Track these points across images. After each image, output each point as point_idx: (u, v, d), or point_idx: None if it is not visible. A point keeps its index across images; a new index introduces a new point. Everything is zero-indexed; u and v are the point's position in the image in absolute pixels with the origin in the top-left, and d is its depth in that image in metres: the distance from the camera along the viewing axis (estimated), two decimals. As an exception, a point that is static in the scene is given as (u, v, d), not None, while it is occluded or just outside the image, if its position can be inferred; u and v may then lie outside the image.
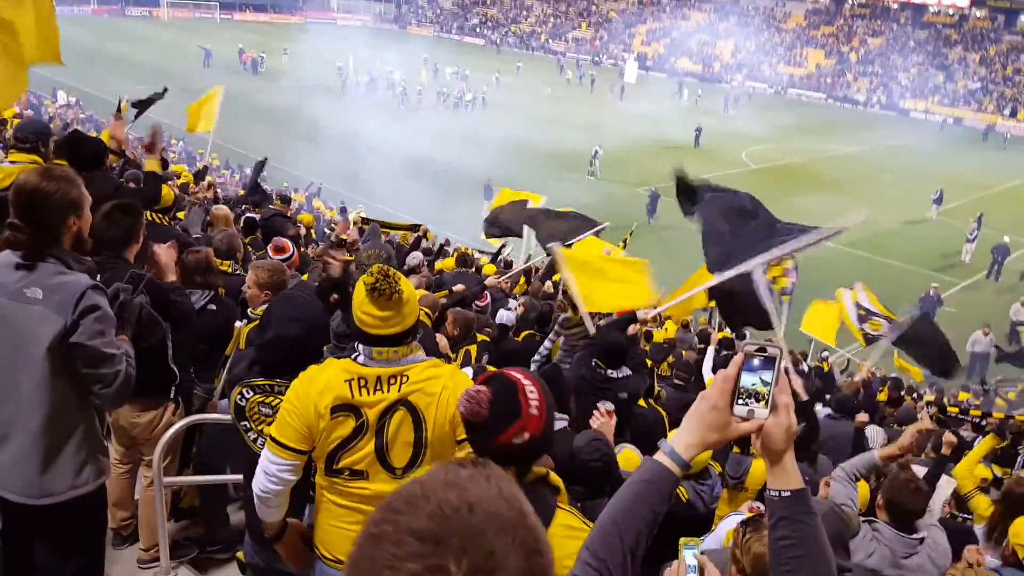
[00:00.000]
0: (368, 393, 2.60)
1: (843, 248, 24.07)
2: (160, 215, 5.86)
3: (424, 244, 13.22)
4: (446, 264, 10.90)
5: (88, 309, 2.81)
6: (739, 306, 7.33)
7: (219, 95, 13.17)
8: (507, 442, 1.98)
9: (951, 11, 62.59)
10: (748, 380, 1.58)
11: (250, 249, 7.72)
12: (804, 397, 6.79)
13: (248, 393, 3.21)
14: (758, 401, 1.57)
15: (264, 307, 4.02)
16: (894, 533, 3.87)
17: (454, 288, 7.84)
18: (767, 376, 1.58)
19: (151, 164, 5.48)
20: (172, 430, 3.94)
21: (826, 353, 14.77)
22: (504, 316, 7.19)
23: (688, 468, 1.63)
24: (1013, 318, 19.26)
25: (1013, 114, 50.88)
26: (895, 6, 65.36)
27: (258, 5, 79.52)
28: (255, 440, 3.24)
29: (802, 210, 27.78)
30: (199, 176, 13.34)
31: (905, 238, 26.13)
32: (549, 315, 8.31)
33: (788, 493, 1.59)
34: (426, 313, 5.88)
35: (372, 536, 0.90)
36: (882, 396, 11.01)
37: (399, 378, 2.61)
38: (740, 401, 1.58)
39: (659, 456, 1.65)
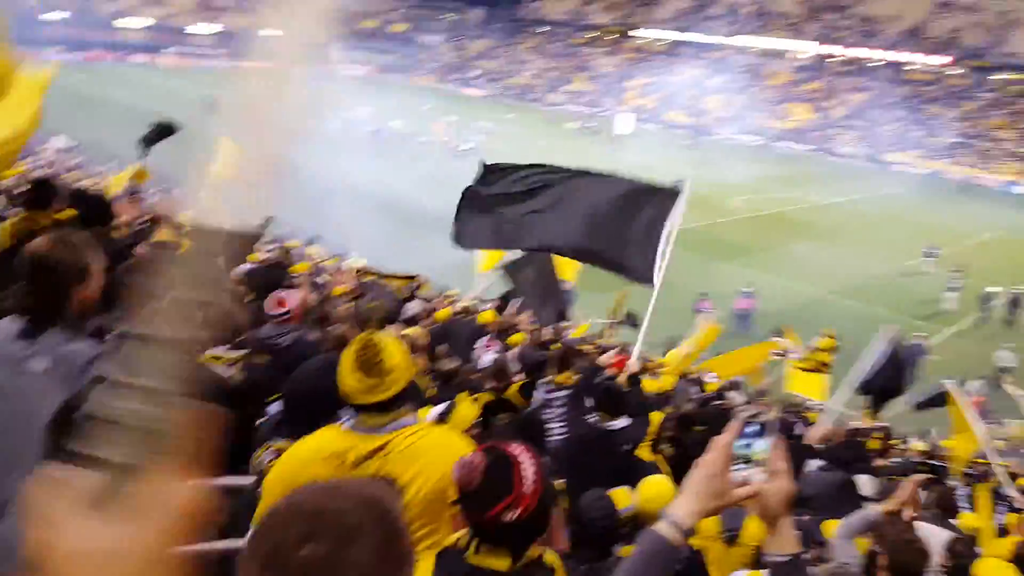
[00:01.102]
0: (346, 471, 2.53)
1: (823, 296, 25.09)
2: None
3: (422, 295, 12.68)
4: (442, 314, 10.48)
5: (96, 379, 2.59)
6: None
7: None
8: (496, 517, 1.91)
9: (930, 69, 65.18)
10: (745, 445, 1.65)
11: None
12: (814, 442, 7.15)
13: (268, 458, 3.11)
14: (755, 466, 1.63)
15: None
16: None
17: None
18: (763, 442, 1.65)
19: (164, 233, 5.53)
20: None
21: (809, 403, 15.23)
22: (488, 361, 7.07)
23: (690, 536, 1.65)
24: (997, 363, 20.06)
25: (989, 167, 52.78)
26: (877, 64, 67.90)
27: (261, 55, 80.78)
28: None
29: (786, 258, 29.05)
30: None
31: (889, 286, 27.18)
32: (544, 363, 7.87)
33: (784, 559, 1.65)
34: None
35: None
36: (872, 444, 10.55)
37: (379, 449, 2.55)
38: (737, 467, 1.63)
39: (660, 526, 1.65)
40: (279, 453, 3.00)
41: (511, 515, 1.90)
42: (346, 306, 8.08)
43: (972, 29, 65.02)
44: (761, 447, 1.65)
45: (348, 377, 2.57)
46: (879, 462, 9.23)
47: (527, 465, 1.97)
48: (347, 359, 2.58)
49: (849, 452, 8.37)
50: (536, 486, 1.94)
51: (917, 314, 24.51)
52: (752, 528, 4.27)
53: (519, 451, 2.02)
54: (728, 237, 31.66)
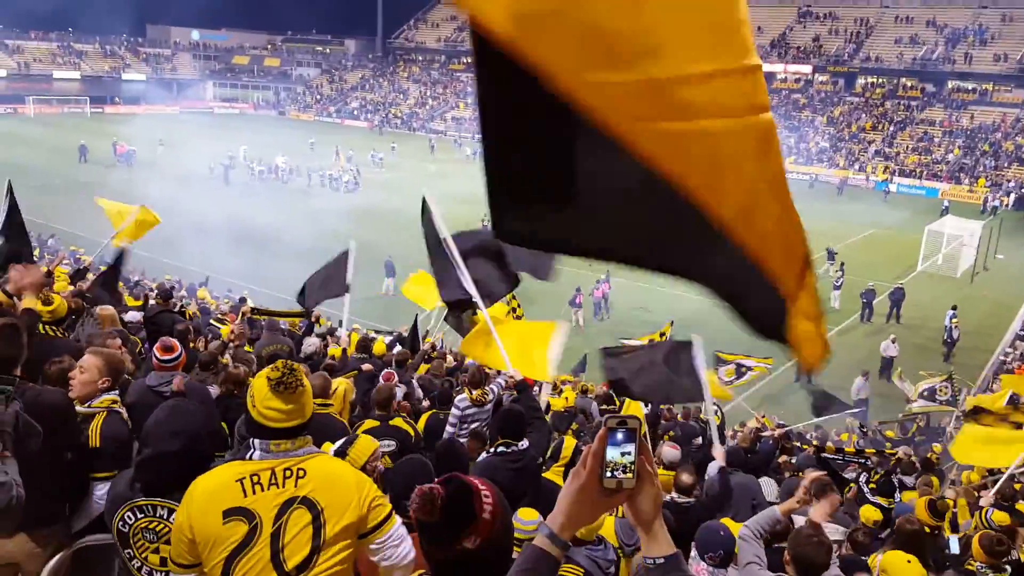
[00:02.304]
0: (262, 489, 2.48)
1: (718, 303, 25.07)
2: (54, 328, 5.61)
3: (318, 329, 12.98)
4: (336, 352, 10.39)
5: None
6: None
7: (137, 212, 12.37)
8: (459, 546, 1.91)
9: (796, 77, 67.96)
10: (613, 453, 1.62)
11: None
12: (721, 462, 6.87)
13: (130, 518, 3.03)
14: (625, 472, 1.61)
15: (104, 398, 3.96)
16: None
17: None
18: (630, 447, 1.62)
19: (28, 302, 5.27)
20: (56, 558, 3.56)
21: (716, 407, 15.13)
22: (398, 395, 7.06)
23: (567, 548, 1.66)
24: (884, 354, 20.51)
25: (861, 168, 55.11)
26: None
27: (130, 98, 77.92)
28: (139, 568, 3.04)
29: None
30: (78, 276, 12.59)
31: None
32: (449, 393, 8.18)
33: (662, 560, 1.66)
34: (407, 421, 5.92)
35: None
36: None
37: (295, 472, 2.53)
38: (608, 474, 1.61)
39: (538, 540, 1.67)
40: (142, 510, 2.98)
41: (473, 541, 1.90)
42: (240, 349, 8.49)
43: (832, 37, 68.25)
44: (630, 453, 1.62)
45: (267, 403, 2.53)
46: (782, 459, 9.44)
47: (485, 492, 1.98)
48: (263, 386, 2.54)
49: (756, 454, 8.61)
50: (495, 512, 1.96)
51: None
52: None
53: (476, 479, 2.03)
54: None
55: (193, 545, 2.49)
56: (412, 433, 5.83)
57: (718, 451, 6.93)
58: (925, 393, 15.88)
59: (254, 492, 2.48)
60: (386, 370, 7.91)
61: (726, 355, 11.33)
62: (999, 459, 8.00)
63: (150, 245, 23.78)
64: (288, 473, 2.52)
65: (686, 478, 5.94)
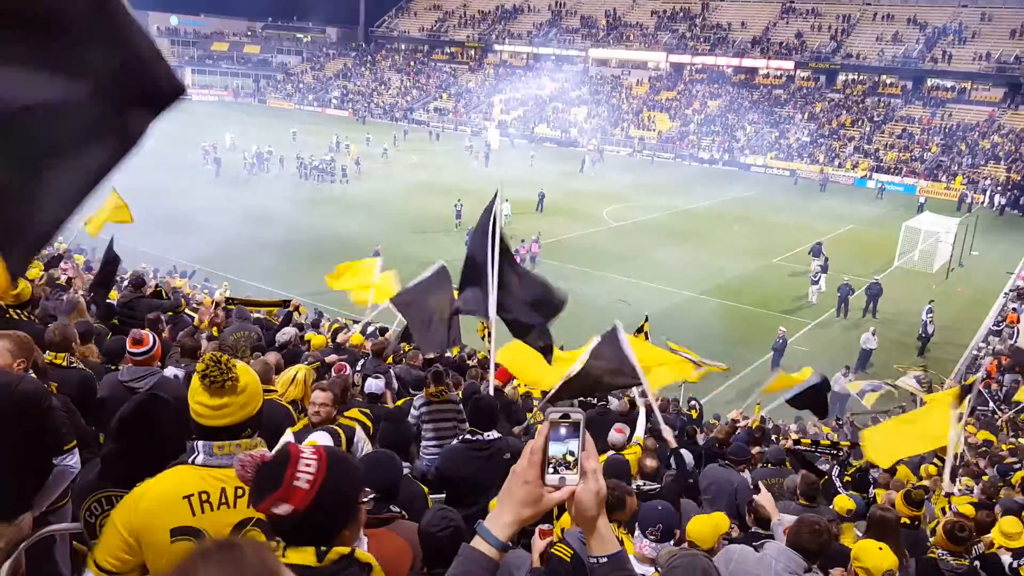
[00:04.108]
0: (212, 509, 2.36)
1: (696, 296, 25.26)
2: (19, 311, 5.64)
3: (297, 319, 12.92)
4: (318, 341, 10.47)
5: None
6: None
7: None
8: (268, 512, 1.94)
9: (779, 73, 68.26)
10: (556, 449, 1.58)
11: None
12: (673, 444, 7.00)
13: (97, 508, 2.95)
14: (568, 469, 1.57)
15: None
16: None
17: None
18: (574, 443, 1.58)
19: None
20: (9, 560, 3.38)
21: (694, 401, 15.28)
22: (373, 385, 7.08)
23: (506, 549, 1.61)
24: (864, 346, 20.64)
25: (841, 164, 55.50)
26: (729, 71, 70.51)
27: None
28: None
29: (661, 262, 29.23)
30: (52, 263, 12.52)
31: (754, 283, 27.65)
32: (423, 381, 8.18)
33: (606, 558, 1.62)
34: (364, 413, 5.76)
35: None
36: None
37: (248, 492, 2.33)
38: (551, 470, 1.57)
39: (476, 541, 1.62)
40: (110, 501, 2.90)
41: (283, 509, 1.91)
42: (211, 338, 8.44)
43: (814, 34, 68.60)
44: (574, 449, 1.58)
45: (197, 396, 2.44)
46: (755, 451, 9.35)
47: (308, 462, 1.96)
48: (195, 381, 2.45)
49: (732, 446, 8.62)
50: (315, 481, 1.94)
51: (783, 308, 24.95)
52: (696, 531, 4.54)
53: (307, 450, 2.01)
54: (602, 245, 31.60)
55: (134, 550, 2.35)
56: (369, 424, 5.69)
57: (667, 433, 6.99)
58: (869, 389, 16.28)
59: (203, 511, 2.36)
60: (338, 362, 7.73)
61: (675, 346, 11.27)
62: (914, 447, 8.25)
63: (133, 235, 23.63)
64: (240, 492, 2.39)
65: (650, 463, 6.00)
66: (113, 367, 5.60)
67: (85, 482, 3.15)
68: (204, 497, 2.36)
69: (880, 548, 4.28)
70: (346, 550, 2.02)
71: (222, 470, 2.41)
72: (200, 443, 2.45)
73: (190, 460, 2.44)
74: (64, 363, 4.91)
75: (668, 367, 8.72)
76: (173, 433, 2.98)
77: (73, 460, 3.81)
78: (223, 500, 2.38)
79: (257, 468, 1.97)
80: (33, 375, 4.02)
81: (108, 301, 9.45)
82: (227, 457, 2.41)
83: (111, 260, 10.33)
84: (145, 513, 2.34)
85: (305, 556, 1.95)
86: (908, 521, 5.91)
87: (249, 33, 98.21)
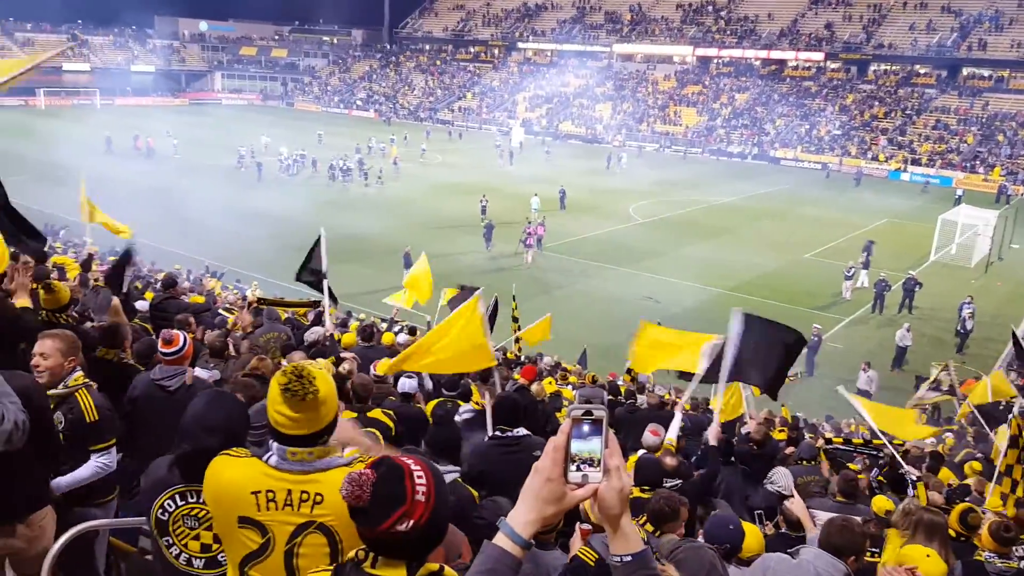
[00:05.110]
0: (276, 509, 2.41)
1: (726, 292, 24.80)
2: (56, 315, 5.62)
3: (328, 319, 12.88)
4: (347, 339, 10.41)
5: None
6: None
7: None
8: (390, 530, 1.86)
9: (808, 65, 67.21)
10: (579, 446, 1.56)
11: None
12: (713, 442, 6.81)
13: (171, 505, 2.99)
14: (591, 466, 1.56)
15: (76, 375, 4.15)
16: None
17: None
18: (596, 440, 1.56)
19: (22, 301, 5.28)
20: (57, 545, 3.46)
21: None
22: (406, 384, 7.02)
23: (529, 547, 1.61)
24: (899, 343, 20.07)
25: (874, 157, 54.51)
26: (757, 63, 69.60)
27: (139, 89, 78.19)
28: (178, 556, 2.97)
29: (689, 258, 28.79)
30: (86, 265, 12.68)
31: (786, 279, 27.12)
32: (458, 381, 8.17)
33: (630, 557, 1.61)
34: (386, 413, 5.83)
35: None
36: (780, 435, 11.01)
37: (312, 496, 2.41)
38: (573, 468, 1.56)
39: (499, 538, 1.61)
40: (184, 497, 2.98)
41: (405, 525, 1.86)
42: (246, 340, 8.47)
43: (844, 24, 67.46)
44: (597, 446, 1.56)
45: (277, 407, 2.42)
46: (788, 451, 9.28)
47: (419, 472, 1.93)
48: (275, 389, 2.42)
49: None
50: (429, 492, 1.91)
51: (816, 305, 24.34)
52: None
53: (411, 461, 1.97)
54: (630, 242, 31.23)
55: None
56: (391, 425, 5.70)
57: (713, 430, 6.98)
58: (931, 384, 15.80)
59: (268, 508, 2.42)
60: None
61: None
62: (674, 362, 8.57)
63: (166, 236, 23.77)
64: (305, 496, 2.42)
65: (669, 460, 5.88)
66: (143, 367, 5.64)
67: (158, 478, 3.22)
68: (270, 496, 2.41)
69: (928, 555, 4.15)
70: (436, 567, 2.00)
71: (291, 474, 2.45)
72: (275, 445, 2.47)
73: (264, 457, 2.48)
74: (115, 359, 5.16)
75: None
76: (242, 433, 3.11)
77: (107, 458, 4.09)
78: (288, 501, 2.41)
79: (374, 486, 1.89)
80: (81, 372, 4.21)
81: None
82: (298, 464, 2.44)
83: (123, 260, 10.34)
84: (219, 490, 2.47)
85: (396, 572, 1.92)
86: (955, 535, 5.57)
87: (276, 37, 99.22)
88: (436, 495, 1.93)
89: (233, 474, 2.46)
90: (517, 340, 15.72)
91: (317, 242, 10.53)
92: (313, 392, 2.39)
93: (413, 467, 1.94)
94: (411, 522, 1.87)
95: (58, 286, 5.68)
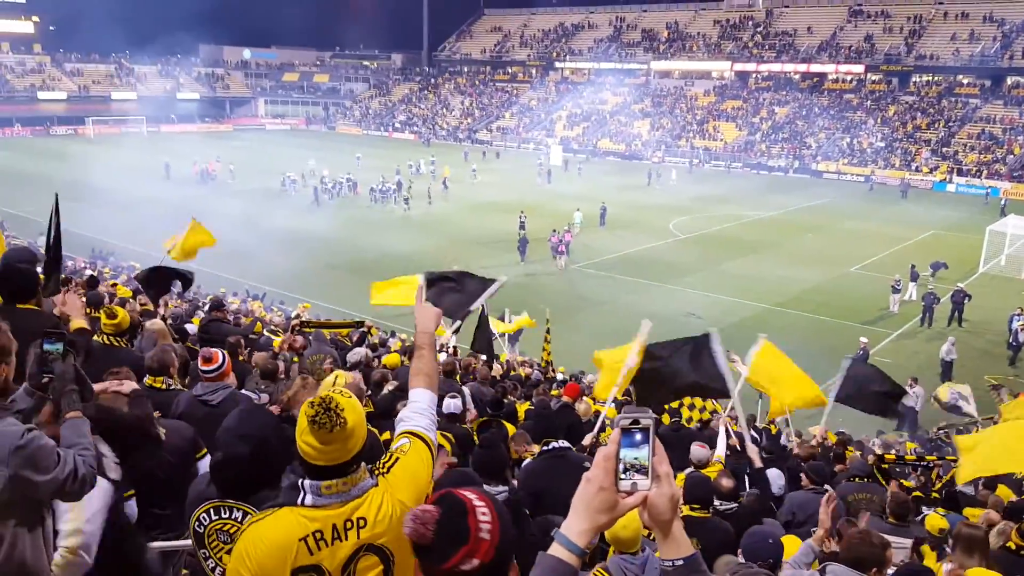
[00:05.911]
0: (327, 545, 2.42)
1: (770, 307, 24.64)
2: (119, 338, 5.75)
3: (370, 340, 13.10)
4: (391, 360, 10.42)
5: (27, 456, 2.61)
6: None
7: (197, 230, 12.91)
8: (454, 569, 1.80)
9: (848, 77, 66.62)
10: (628, 455, 1.61)
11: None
12: (758, 464, 6.76)
13: (205, 519, 3.07)
14: (640, 473, 1.60)
15: None
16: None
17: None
18: (645, 448, 1.61)
19: (77, 323, 5.31)
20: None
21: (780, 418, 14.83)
22: (450, 405, 7.02)
23: (585, 555, 1.63)
24: (944, 357, 19.78)
25: (917, 168, 53.70)
26: (796, 77, 69.14)
27: (185, 116, 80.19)
28: (214, 569, 3.08)
29: (731, 274, 28.65)
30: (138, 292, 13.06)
31: (831, 293, 26.84)
32: (501, 400, 8.17)
33: (681, 562, 1.64)
34: (444, 436, 5.72)
35: None
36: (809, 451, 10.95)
37: (356, 522, 2.44)
38: (623, 476, 1.60)
39: (554, 548, 1.63)
40: (217, 511, 3.05)
41: (470, 565, 1.78)
42: (293, 361, 8.63)
43: (884, 36, 66.77)
44: (645, 454, 1.60)
45: (304, 437, 2.42)
46: (838, 467, 9.20)
47: (483, 508, 1.86)
48: (304, 421, 2.42)
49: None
50: (494, 529, 1.83)
51: (863, 319, 24.04)
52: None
53: (474, 496, 1.91)
54: (669, 258, 31.20)
55: None
56: (448, 448, 5.67)
57: (752, 451, 6.92)
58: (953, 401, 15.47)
59: (319, 548, 2.42)
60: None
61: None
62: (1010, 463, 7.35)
63: (215, 260, 24.46)
64: (350, 524, 2.44)
65: (726, 482, 5.87)
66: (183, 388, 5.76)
67: (198, 492, 3.26)
68: (318, 536, 2.41)
69: None
70: None
71: (332, 509, 2.45)
72: (307, 483, 2.46)
73: (298, 501, 2.45)
74: (163, 386, 5.20)
75: (792, 387, 8.99)
76: (280, 448, 3.07)
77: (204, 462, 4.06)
78: (336, 535, 2.42)
79: (438, 523, 1.84)
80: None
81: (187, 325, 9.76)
82: (335, 496, 2.44)
83: (181, 277, 10.49)
84: (264, 554, 2.40)
85: None
86: (1013, 547, 5.57)
87: (318, 63, 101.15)
88: (500, 532, 1.87)
89: (275, 533, 2.43)
90: (548, 363, 15.99)
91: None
92: (341, 424, 2.40)
93: (476, 503, 1.89)
94: (476, 561, 1.81)
95: (120, 312, 5.84)
